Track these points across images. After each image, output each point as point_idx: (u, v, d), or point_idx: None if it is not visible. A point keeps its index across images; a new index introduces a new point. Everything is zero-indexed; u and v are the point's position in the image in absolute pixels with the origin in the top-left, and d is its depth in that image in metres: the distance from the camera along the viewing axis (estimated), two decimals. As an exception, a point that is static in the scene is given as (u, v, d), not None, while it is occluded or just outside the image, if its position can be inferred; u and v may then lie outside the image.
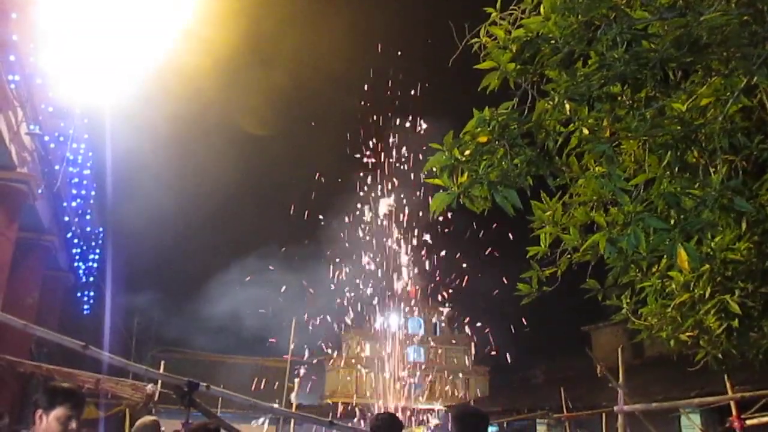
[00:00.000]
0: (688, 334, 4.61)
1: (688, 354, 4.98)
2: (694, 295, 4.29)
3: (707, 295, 4.19)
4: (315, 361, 37.00)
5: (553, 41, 3.11)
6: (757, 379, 9.14)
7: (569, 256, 4.15)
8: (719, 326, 4.27)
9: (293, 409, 13.95)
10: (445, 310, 44.40)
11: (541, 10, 3.31)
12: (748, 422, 8.05)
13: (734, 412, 8.10)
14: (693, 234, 3.14)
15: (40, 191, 14.53)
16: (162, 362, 12.65)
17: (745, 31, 2.91)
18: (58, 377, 10.06)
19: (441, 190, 3.32)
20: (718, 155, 3.35)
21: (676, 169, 3.34)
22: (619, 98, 3.26)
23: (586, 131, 3.18)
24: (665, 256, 3.69)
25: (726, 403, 8.34)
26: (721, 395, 8.47)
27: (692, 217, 2.99)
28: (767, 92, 3.43)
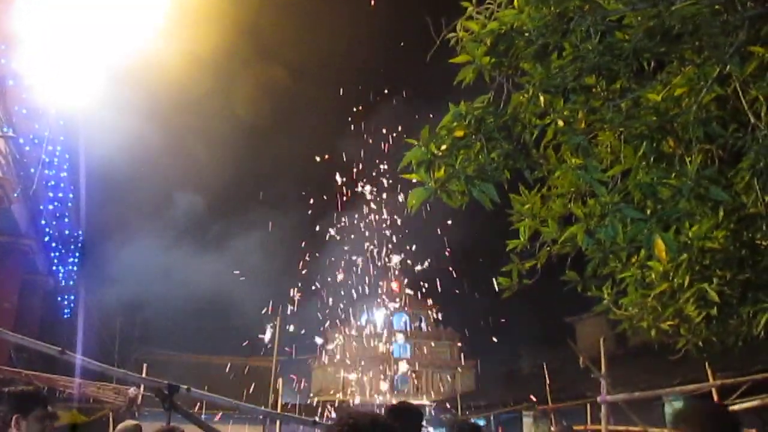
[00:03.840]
0: (668, 323, 4.64)
1: (670, 343, 5.02)
2: (674, 285, 4.32)
3: (686, 284, 4.21)
4: (301, 359, 36.92)
5: (527, 34, 3.10)
6: (737, 365, 9.27)
7: (549, 248, 4.15)
8: (699, 314, 4.30)
9: (279, 409, 13.89)
10: (433, 307, 44.54)
11: (515, 2, 3.30)
12: (730, 408, 8.15)
13: (716, 398, 8.20)
14: (670, 223, 3.15)
15: (15, 194, 14.32)
16: (144, 364, 12.53)
17: (717, 20, 2.92)
18: (38, 383, 9.91)
19: (418, 185, 3.30)
20: (694, 145, 3.37)
21: (652, 159, 3.35)
22: (594, 90, 3.26)
23: (561, 123, 3.17)
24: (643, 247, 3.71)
25: (708, 390, 8.44)
26: (703, 382, 8.57)
27: (669, 207, 3.00)
28: (740, 81, 3.44)
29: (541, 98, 3.17)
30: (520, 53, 3.18)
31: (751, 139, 3.42)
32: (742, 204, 3.86)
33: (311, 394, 40.85)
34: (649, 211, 3.09)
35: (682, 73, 3.45)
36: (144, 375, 8.66)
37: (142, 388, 10.22)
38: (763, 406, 7.98)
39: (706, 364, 8.11)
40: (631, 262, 4.49)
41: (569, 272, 4.37)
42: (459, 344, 44.53)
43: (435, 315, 45.14)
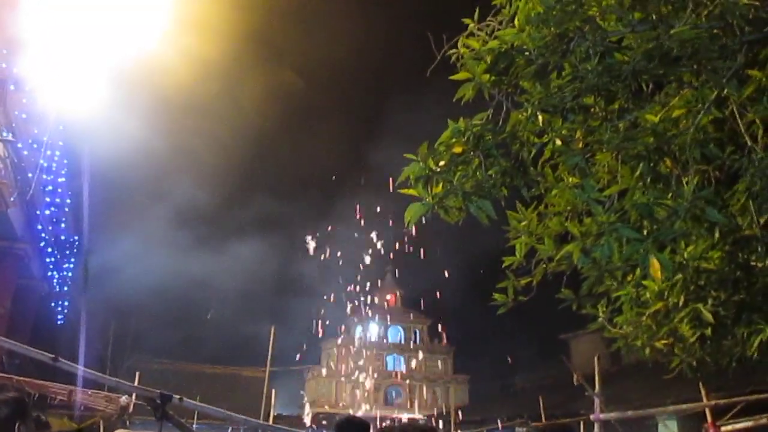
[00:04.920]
0: (663, 342, 4.64)
1: (664, 362, 5.03)
2: (668, 304, 4.32)
3: (681, 303, 4.22)
4: (295, 370, 36.76)
5: (527, 53, 3.13)
6: (731, 385, 9.26)
7: (544, 265, 4.16)
8: (693, 334, 4.31)
9: (270, 421, 13.82)
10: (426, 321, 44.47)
11: (516, 21, 3.34)
12: (723, 429, 8.14)
13: (709, 418, 8.19)
14: (666, 244, 3.17)
15: (12, 198, 14.30)
16: (137, 373, 12.47)
17: (715, 44, 2.95)
18: (29, 389, 9.86)
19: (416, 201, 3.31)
20: (691, 166, 3.39)
21: (649, 179, 3.36)
22: (593, 110, 3.28)
23: (559, 142, 3.19)
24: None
25: (701, 409, 8.43)
26: (696, 402, 8.56)
27: (665, 227, 3.02)
28: (738, 104, 3.47)
29: (540, 117, 3.19)
30: (520, 72, 3.21)
31: (747, 161, 3.45)
32: (738, 226, 3.87)
33: (304, 405, 40.64)
34: (645, 231, 3.11)
35: (680, 95, 3.48)
36: (136, 383, 8.62)
37: (134, 397, 10.16)
38: (756, 427, 7.98)
39: (700, 384, 8.10)
40: (626, 280, 4.49)
41: (564, 290, 4.38)
42: (453, 358, 44.41)
43: (429, 329, 45.04)
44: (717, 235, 3.87)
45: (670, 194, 3.20)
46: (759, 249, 3.93)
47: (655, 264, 2.91)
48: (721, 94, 3.25)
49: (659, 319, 4.47)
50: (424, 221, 3.46)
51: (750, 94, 3.32)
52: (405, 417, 33.95)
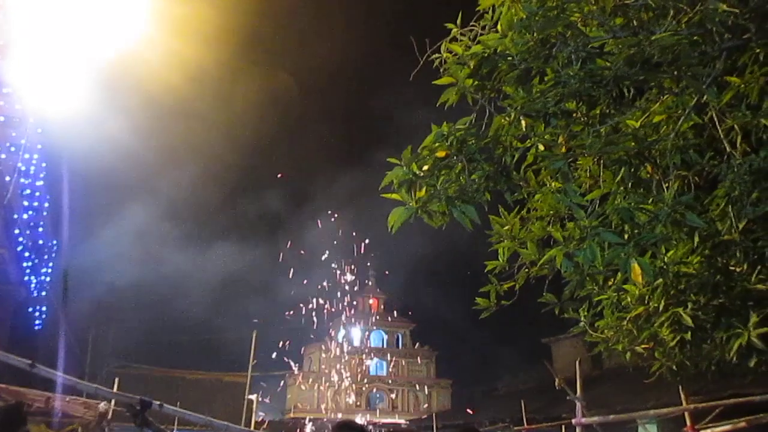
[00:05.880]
0: (643, 346, 4.68)
1: (645, 366, 5.06)
2: (649, 308, 4.36)
3: (661, 308, 4.25)
4: (276, 375, 36.53)
5: (510, 58, 3.15)
6: (710, 389, 9.35)
7: (527, 270, 4.18)
8: (673, 338, 4.34)
9: (252, 426, 13.71)
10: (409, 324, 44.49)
11: (499, 27, 3.35)
12: (701, 432, 8.21)
13: (689, 422, 8.26)
14: (647, 248, 3.19)
15: (-11, 203, 14.09)
16: (116, 379, 12.31)
17: (695, 50, 2.99)
18: (6, 396, 9.66)
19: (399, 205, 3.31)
20: (671, 171, 3.43)
21: (630, 184, 3.40)
22: (575, 115, 3.30)
23: (542, 147, 3.21)
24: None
25: (681, 413, 8.49)
26: (676, 406, 8.62)
27: (646, 232, 3.04)
28: (717, 110, 3.52)
29: (523, 122, 3.20)
30: (503, 77, 3.22)
31: (726, 167, 3.49)
32: (717, 230, 3.92)
33: (286, 410, 40.40)
34: (626, 236, 3.13)
35: (660, 101, 3.52)
36: (115, 389, 8.50)
37: (113, 403, 10.01)
38: (734, 431, 8.06)
39: (680, 387, 8.16)
40: (607, 285, 4.53)
41: (547, 294, 4.40)
42: (436, 363, 44.45)
43: (412, 333, 45.05)
44: (697, 239, 3.91)
45: (650, 199, 3.23)
46: (738, 254, 3.97)
47: (636, 268, 2.93)
48: (701, 101, 3.28)
49: (640, 324, 4.50)
50: (408, 225, 3.45)
51: (729, 101, 3.37)
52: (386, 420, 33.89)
